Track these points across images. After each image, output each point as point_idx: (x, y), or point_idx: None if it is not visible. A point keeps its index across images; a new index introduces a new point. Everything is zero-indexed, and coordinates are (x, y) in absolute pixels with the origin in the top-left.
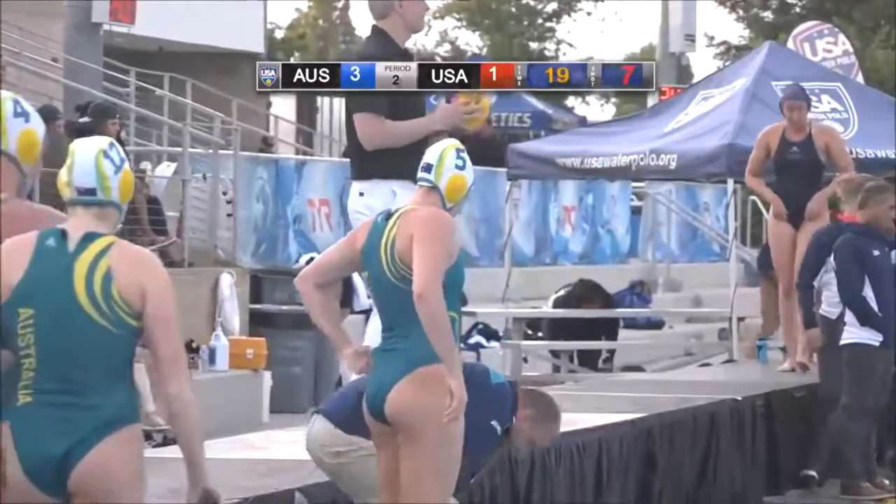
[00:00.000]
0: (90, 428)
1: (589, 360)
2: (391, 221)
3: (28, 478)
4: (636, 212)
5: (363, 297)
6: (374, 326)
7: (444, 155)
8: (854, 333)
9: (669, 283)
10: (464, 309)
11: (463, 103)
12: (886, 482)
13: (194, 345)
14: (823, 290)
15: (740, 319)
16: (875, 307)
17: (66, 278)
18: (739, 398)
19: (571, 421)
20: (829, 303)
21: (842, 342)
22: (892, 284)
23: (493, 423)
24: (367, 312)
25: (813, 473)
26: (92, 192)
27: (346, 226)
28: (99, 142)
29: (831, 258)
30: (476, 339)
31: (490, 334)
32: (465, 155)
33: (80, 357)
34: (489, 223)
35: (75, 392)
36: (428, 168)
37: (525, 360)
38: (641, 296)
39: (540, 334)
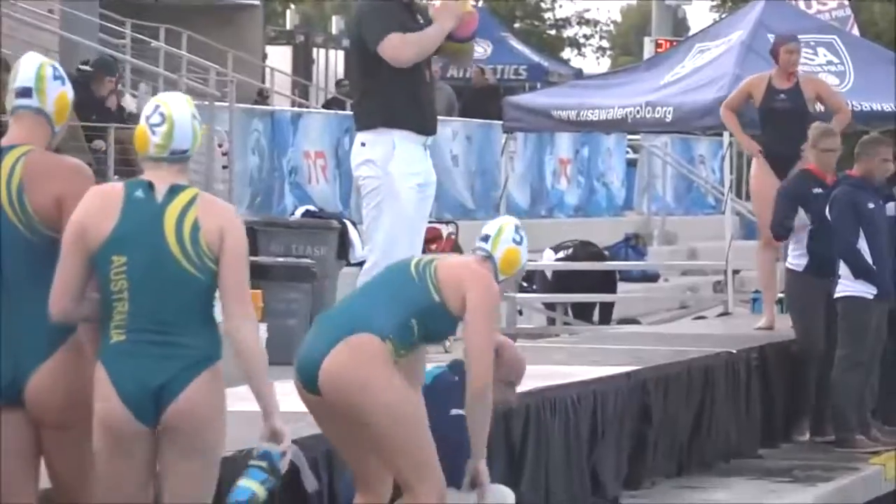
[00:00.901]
0: (183, 366)
1: (584, 314)
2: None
3: (125, 406)
4: (632, 164)
5: (359, 250)
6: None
7: (504, 228)
8: (848, 286)
9: (665, 236)
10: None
11: None
12: (880, 435)
13: None
14: (790, 242)
15: (735, 272)
16: (870, 260)
17: (157, 228)
18: (734, 351)
19: (566, 374)
20: (795, 255)
21: (836, 295)
22: (886, 237)
23: (454, 411)
24: (362, 264)
25: (804, 438)
26: (185, 152)
27: (342, 178)
28: (185, 104)
29: (801, 211)
30: None
31: None
32: (523, 233)
33: (170, 300)
34: (485, 176)
35: (166, 332)
36: (486, 238)
37: (520, 312)
38: (636, 248)
39: (535, 287)
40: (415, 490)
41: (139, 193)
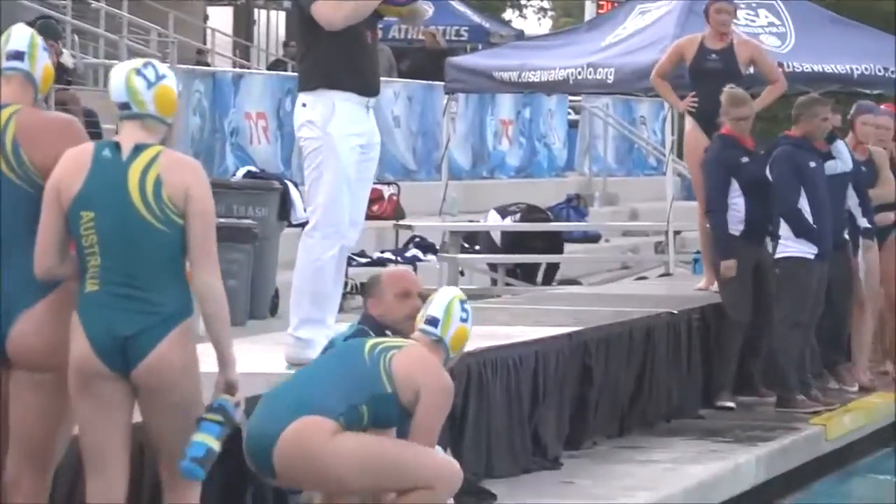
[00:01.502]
0: (152, 322)
1: (530, 276)
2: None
3: (96, 355)
4: (573, 126)
5: (300, 211)
6: (308, 246)
7: (451, 309)
8: (790, 247)
9: (606, 197)
10: (401, 222)
11: None
12: (821, 395)
13: None
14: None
15: (676, 233)
16: (810, 219)
17: (121, 184)
18: (675, 312)
19: (508, 335)
20: (733, 220)
21: (777, 255)
22: (826, 196)
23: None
24: (304, 225)
25: (731, 405)
26: (125, 105)
27: (284, 139)
28: (134, 62)
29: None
30: (413, 252)
31: (427, 247)
32: (468, 306)
33: (138, 255)
34: (426, 137)
35: (136, 287)
36: (434, 322)
37: (462, 273)
38: (578, 209)
39: (477, 248)
40: (435, 488)
41: (106, 153)
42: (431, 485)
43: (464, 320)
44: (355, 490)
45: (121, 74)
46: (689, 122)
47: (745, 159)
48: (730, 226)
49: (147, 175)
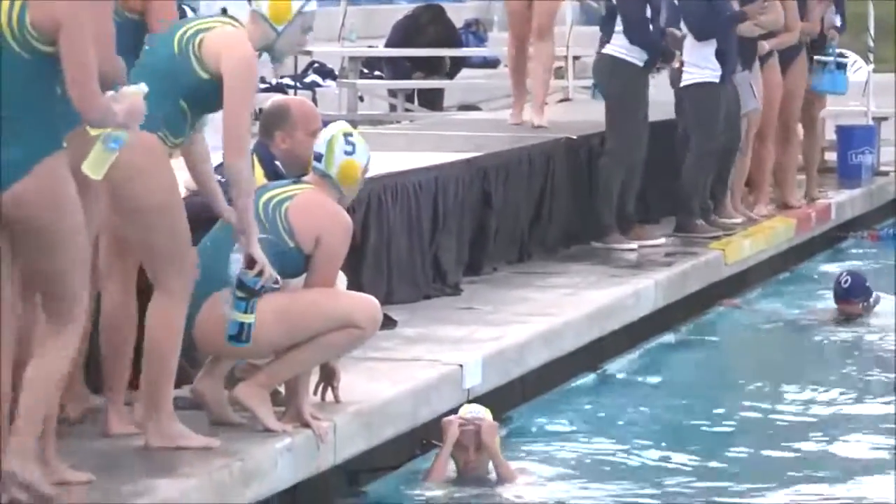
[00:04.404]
0: (18, 155)
1: (429, 101)
2: None
3: None
4: None
5: None
6: None
7: (333, 142)
8: (694, 74)
9: (504, 22)
10: (300, 48)
11: None
12: (721, 220)
13: None
14: (615, 33)
15: (576, 58)
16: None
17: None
18: (575, 137)
19: (408, 160)
20: (628, 47)
21: (683, 83)
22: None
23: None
24: None
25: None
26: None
27: None
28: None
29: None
30: (312, 78)
31: (326, 73)
32: (356, 139)
33: (6, 82)
34: None
35: (5, 117)
36: (318, 157)
37: (361, 98)
38: (477, 35)
39: (378, 73)
40: (361, 325)
41: None
42: (357, 322)
43: (349, 153)
44: (290, 345)
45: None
46: None
47: None
48: (632, 53)
49: (14, 2)
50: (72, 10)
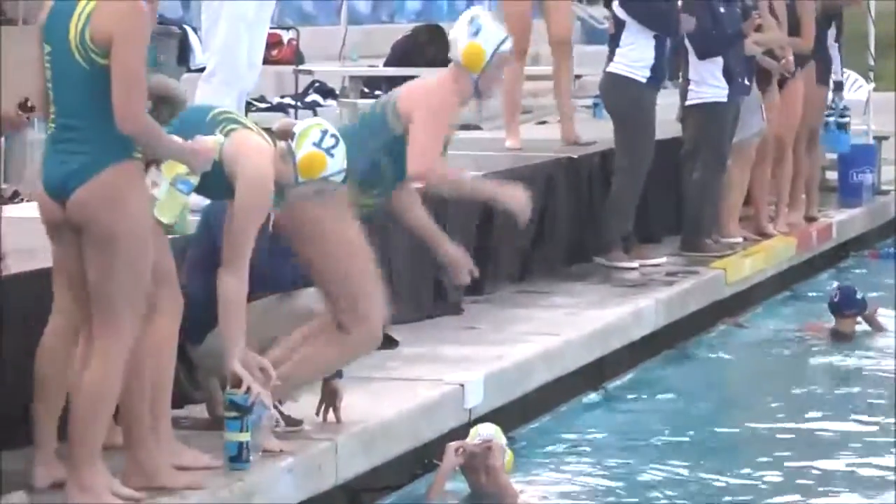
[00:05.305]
0: (80, 164)
1: None
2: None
3: (45, 191)
4: None
5: (199, 56)
6: (206, 93)
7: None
8: (704, 93)
9: None
10: (301, 67)
11: None
12: (721, 238)
13: (29, 104)
14: (621, 47)
15: (577, 77)
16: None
17: (66, 20)
18: (576, 156)
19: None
20: (635, 63)
21: (689, 103)
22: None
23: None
24: (202, 70)
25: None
26: None
27: None
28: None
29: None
30: (313, 97)
31: (327, 92)
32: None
33: (72, 95)
34: None
35: (71, 127)
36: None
37: None
38: None
39: (378, 93)
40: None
41: None
42: (366, 315)
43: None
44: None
45: None
46: None
47: None
48: (639, 68)
49: (83, 12)
50: (124, 25)
